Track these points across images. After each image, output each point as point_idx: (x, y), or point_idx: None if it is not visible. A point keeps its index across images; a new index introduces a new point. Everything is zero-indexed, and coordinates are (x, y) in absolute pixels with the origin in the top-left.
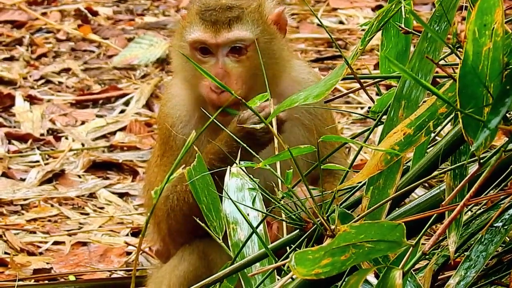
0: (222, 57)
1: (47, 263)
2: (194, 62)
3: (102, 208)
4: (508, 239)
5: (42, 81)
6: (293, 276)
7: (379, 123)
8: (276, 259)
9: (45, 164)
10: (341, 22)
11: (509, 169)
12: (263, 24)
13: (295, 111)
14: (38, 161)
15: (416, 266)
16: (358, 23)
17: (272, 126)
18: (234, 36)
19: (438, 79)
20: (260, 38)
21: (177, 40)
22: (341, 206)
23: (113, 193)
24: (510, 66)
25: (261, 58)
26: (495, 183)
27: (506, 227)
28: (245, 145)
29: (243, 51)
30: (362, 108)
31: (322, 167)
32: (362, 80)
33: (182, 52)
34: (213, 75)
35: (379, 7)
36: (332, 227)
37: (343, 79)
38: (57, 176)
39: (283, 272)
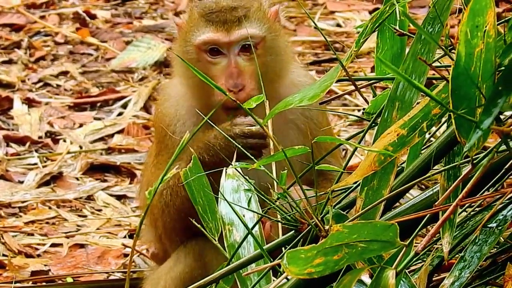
0: (234, 57)
1: (45, 265)
2: (198, 70)
3: (99, 210)
4: (503, 240)
5: (40, 84)
6: (289, 277)
7: (373, 124)
8: (271, 259)
9: (43, 166)
10: (338, 25)
11: (503, 170)
12: (268, 22)
13: (290, 113)
14: (36, 164)
15: (412, 268)
16: (355, 26)
17: (268, 129)
18: (246, 34)
19: (434, 81)
20: (268, 35)
21: (180, 46)
22: (335, 207)
23: (111, 195)
24: (502, 67)
25: (269, 55)
26: (490, 184)
27: (500, 227)
28: (237, 147)
29: (254, 49)
30: (359, 110)
31: (316, 167)
32: (358, 82)
33: (187, 56)
34: (227, 75)
35: (376, 10)
36: (326, 227)
37: (340, 81)
38: (55, 179)
39: (279, 273)
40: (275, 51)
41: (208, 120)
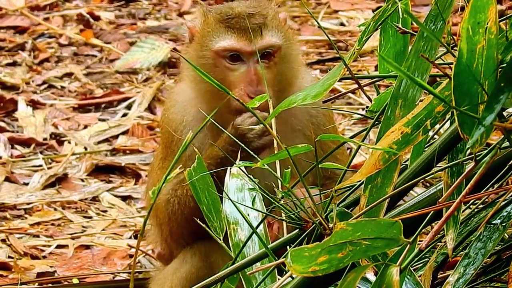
0: (254, 64)
1: (51, 266)
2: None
3: (105, 211)
4: (507, 236)
5: (45, 85)
6: (293, 275)
7: (376, 122)
8: (276, 258)
9: (48, 168)
10: (342, 24)
11: (507, 166)
12: (283, 30)
13: (297, 121)
14: (41, 165)
15: (417, 266)
16: (358, 24)
17: (272, 128)
18: (267, 43)
19: (438, 78)
20: (284, 43)
21: (194, 50)
22: (340, 205)
23: (116, 196)
24: (504, 64)
25: (284, 63)
26: (493, 180)
27: (504, 224)
28: (241, 147)
29: (271, 57)
30: (363, 109)
31: (320, 166)
32: (361, 81)
33: (203, 61)
34: (248, 81)
35: (379, 8)
36: (331, 225)
37: (343, 79)
38: (60, 180)
39: (284, 272)
40: (288, 59)
41: (211, 119)
